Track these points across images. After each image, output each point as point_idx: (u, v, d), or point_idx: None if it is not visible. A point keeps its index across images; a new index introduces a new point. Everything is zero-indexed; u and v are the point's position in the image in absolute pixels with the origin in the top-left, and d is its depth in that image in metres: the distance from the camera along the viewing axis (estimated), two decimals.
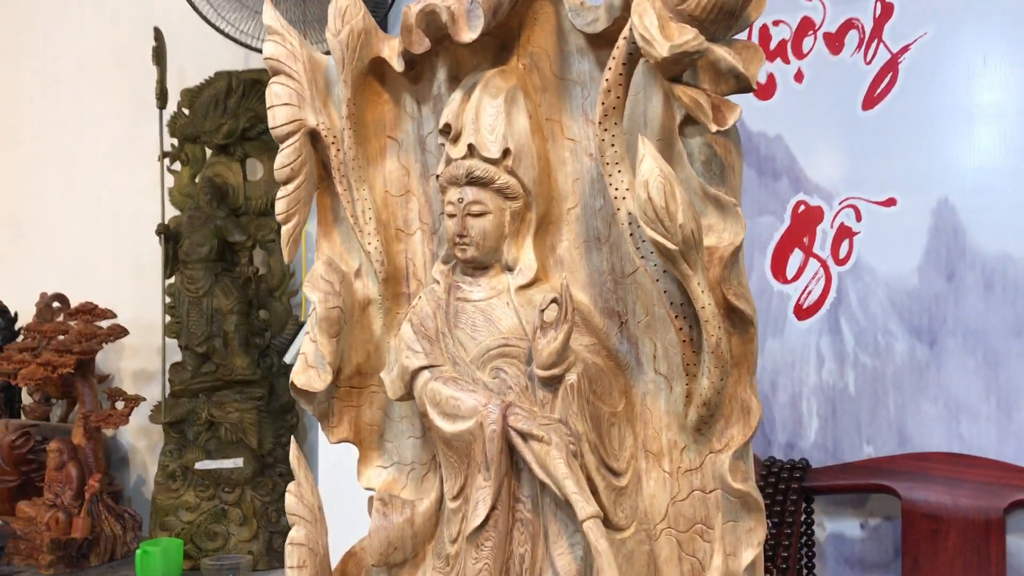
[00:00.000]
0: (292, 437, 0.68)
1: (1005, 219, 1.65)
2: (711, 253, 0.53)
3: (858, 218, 1.79)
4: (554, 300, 0.55)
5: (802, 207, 1.86)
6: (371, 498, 0.63)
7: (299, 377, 0.63)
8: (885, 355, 1.76)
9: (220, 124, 2.29)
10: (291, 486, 0.64)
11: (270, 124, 0.66)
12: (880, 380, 1.77)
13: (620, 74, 0.55)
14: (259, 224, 2.31)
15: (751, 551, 0.55)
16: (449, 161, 0.62)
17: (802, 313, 1.87)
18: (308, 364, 0.64)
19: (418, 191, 0.65)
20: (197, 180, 2.32)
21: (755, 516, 0.55)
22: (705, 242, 0.53)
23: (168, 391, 2.31)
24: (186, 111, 2.33)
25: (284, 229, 0.64)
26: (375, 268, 0.63)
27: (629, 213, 0.56)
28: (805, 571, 1.74)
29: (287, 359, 2.19)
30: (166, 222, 2.31)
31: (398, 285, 0.66)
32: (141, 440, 2.64)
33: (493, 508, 0.57)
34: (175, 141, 2.36)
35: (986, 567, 1.61)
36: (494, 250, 0.59)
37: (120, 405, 2.40)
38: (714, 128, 0.52)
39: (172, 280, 2.32)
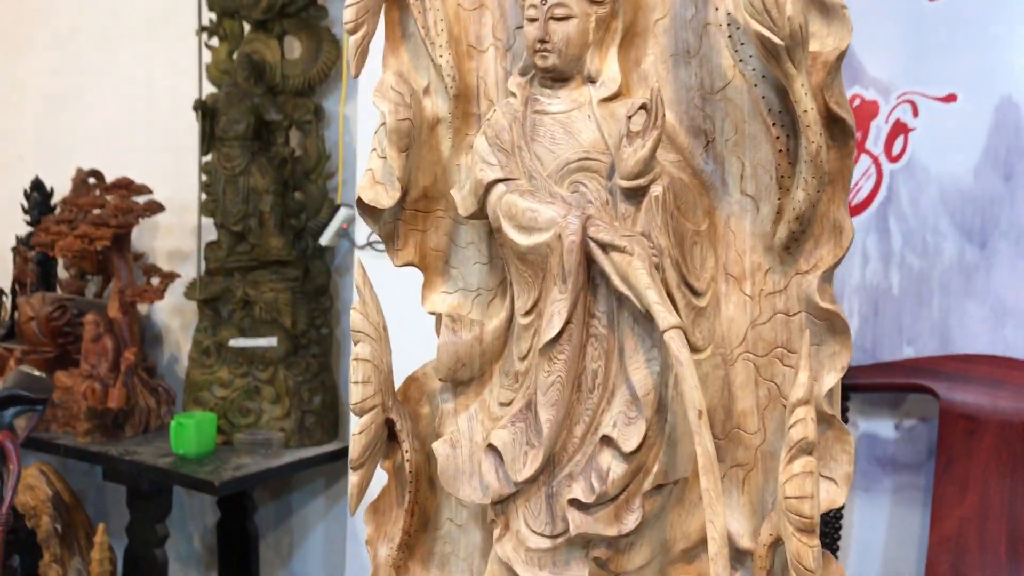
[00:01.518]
0: (357, 261, 0.66)
1: None
2: (814, 58, 0.50)
3: (915, 114, 1.74)
4: (643, 106, 0.52)
5: (857, 100, 1.80)
6: (439, 316, 0.62)
7: (366, 192, 0.61)
8: (933, 256, 1.73)
9: None
10: (356, 303, 0.63)
11: None
12: (926, 281, 1.73)
13: None
14: (295, 104, 2.27)
15: (834, 375, 0.54)
16: None
17: (850, 210, 1.83)
18: (376, 180, 0.62)
19: (492, 4, 0.61)
20: (235, 56, 2.28)
21: (840, 339, 0.53)
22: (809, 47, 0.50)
23: (203, 269, 2.31)
24: None
25: (352, 39, 0.61)
26: (446, 84, 0.60)
27: (728, 13, 0.53)
28: None
29: (322, 242, 2.18)
30: (203, 98, 2.28)
31: (468, 104, 0.63)
32: (175, 319, 2.67)
33: (568, 321, 0.55)
34: (213, 16, 2.32)
35: (1021, 469, 1.60)
36: (576, 59, 0.56)
37: (155, 281, 2.42)
38: None
39: (208, 158, 2.30)
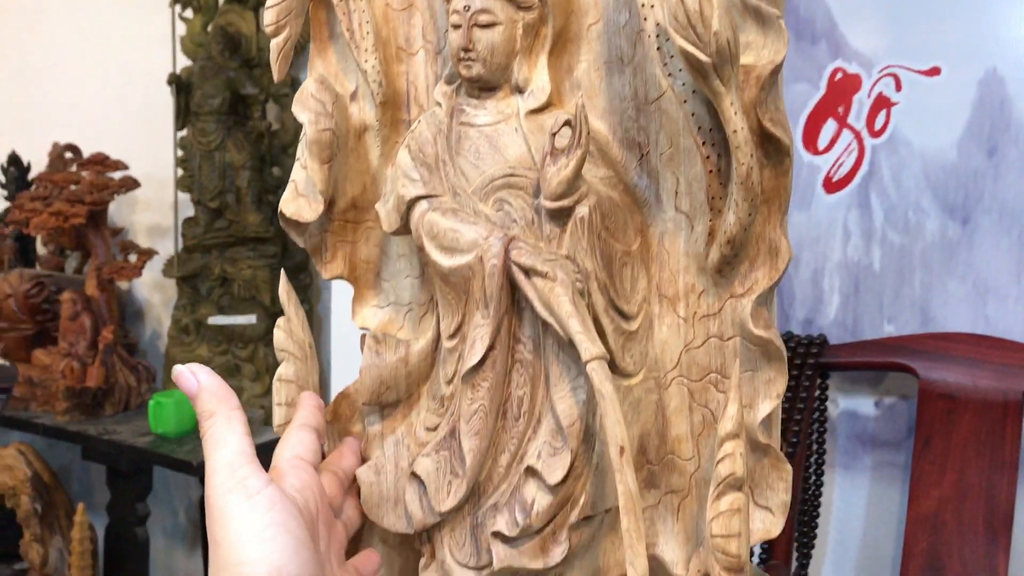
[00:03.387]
0: (282, 270, 0.64)
1: None
2: (747, 72, 0.47)
3: (898, 88, 1.70)
4: (567, 123, 0.49)
5: (839, 74, 1.76)
6: (363, 335, 0.59)
7: (288, 206, 0.58)
8: (915, 232, 1.70)
9: None
10: (280, 321, 0.61)
11: None
12: (907, 258, 1.71)
13: None
14: (272, 77, 2.23)
15: (769, 403, 0.51)
16: None
17: (831, 186, 1.80)
18: (298, 192, 0.59)
19: (422, 4, 0.58)
20: (209, 29, 2.24)
21: (776, 366, 0.51)
22: (742, 60, 0.47)
23: (181, 245, 2.29)
24: None
25: (274, 43, 0.58)
26: (372, 89, 0.57)
27: (657, 24, 0.49)
28: (816, 446, 1.73)
29: None
30: (177, 72, 2.24)
31: (397, 111, 0.60)
32: (156, 295, 2.64)
33: (491, 347, 0.52)
34: None
35: (1000, 448, 1.59)
36: (503, 68, 0.53)
37: (133, 258, 2.39)
38: None
39: (184, 132, 2.26)
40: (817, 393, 1.74)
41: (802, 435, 1.72)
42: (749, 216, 0.48)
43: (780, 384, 0.51)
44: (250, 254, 2.22)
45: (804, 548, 1.74)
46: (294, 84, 2.22)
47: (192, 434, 2.12)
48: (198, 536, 2.52)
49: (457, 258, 0.52)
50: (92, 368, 2.21)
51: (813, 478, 1.74)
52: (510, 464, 0.54)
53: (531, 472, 0.53)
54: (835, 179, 1.79)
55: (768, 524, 0.53)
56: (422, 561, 0.58)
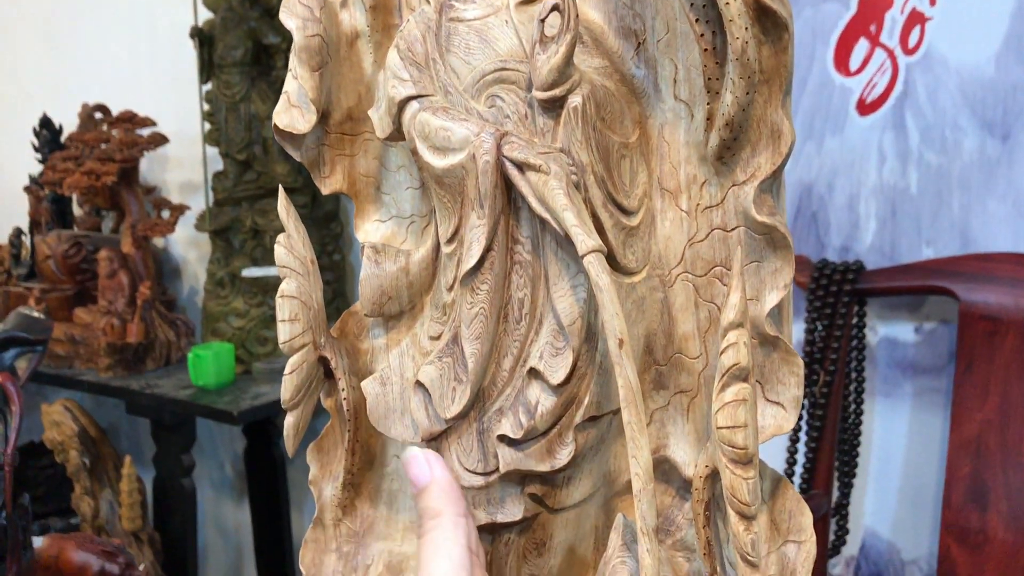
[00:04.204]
0: (280, 189, 0.63)
1: None
2: None
3: (932, 2, 1.64)
4: (555, 7, 0.47)
5: None
6: (362, 246, 0.58)
7: (281, 117, 0.57)
8: (952, 152, 1.65)
9: None
10: (280, 237, 0.60)
11: None
12: (945, 179, 1.66)
13: None
14: None
15: (776, 294, 0.49)
16: None
17: (865, 108, 1.75)
18: (291, 103, 0.58)
19: None
20: None
21: (781, 255, 0.49)
22: None
23: (212, 200, 2.30)
24: None
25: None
26: None
27: None
28: (854, 374, 1.71)
29: None
30: (199, 25, 2.23)
31: (388, 15, 0.58)
32: (191, 251, 2.67)
33: (488, 248, 0.51)
34: None
35: None
36: None
37: (166, 214, 2.41)
38: None
39: (209, 86, 2.26)
40: (855, 320, 1.71)
41: (840, 364, 1.69)
42: (747, 95, 0.46)
43: (787, 273, 0.49)
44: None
45: (845, 477, 1.72)
46: None
47: (232, 385, 2.15)
48: (244, 488, 2.56)
49: (450, 158, 0.51)
50: (132, 324, 2.24)
51: (853, 407, 1.71)
52: (513, 367, 0.53)
53: (534, 373, 0.52)
54: (868, 101, 1.74)
55: (780, 420, 0.51)
56: None
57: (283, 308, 0.58)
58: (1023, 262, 1.56)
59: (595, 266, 0.46)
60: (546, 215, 0.48)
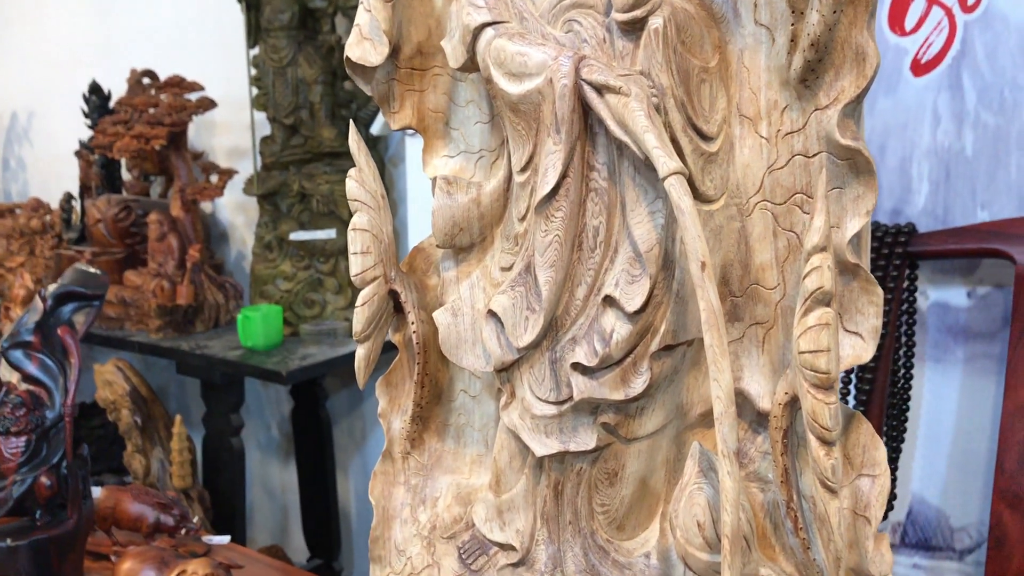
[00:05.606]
0: (351, 121, 0.63)
1: None
2: None
3: None
4: None
5: None
6: (435, 178, 0.58)
7: (353, 50, 0.57)
8: (1011, 112, 1.61)
9: None
10: (352, 171, 0.60)
11: None
12: (1003, 140, 1.62)
13: None
14: None
15: (858, 220, 0.49)
16: None
17: (919, 69, 1.71)
18: (363, 36, 0.58)
19: None
20: None
21: (864, 181, 0.48)
22: None
23: (260, 164, 2.31)
24: None
25: None
26: None
27: None
28: (904, 339, 1.68)
29: (374, 131, 2.15)
30: None
31: None
32: (239, 216, 2.69)
33: (564, 175, 0.50)
34: None
35: None
36: None
37: (214, 179, 2.43)
38: None
39: (256, 51, 2.27)
40: (906, 284, 1.68)
41: (891, 327, 1.67)
42: (834, 14, 0.45)
43: (870, 200, 0.48)
44: (327, 169, 2.24)
45: (894, 443, 1.71)
46: None
47: (280, 347, 2.17)
48: (291, 449, 2.59)
49: (526, 83, 0.51)
50: (181, 287, 2.27)
51: (903, 371, 1.69)
52: (587, 296, 0.53)
53: (609, 301, 0.52)
54: (924, 60, 1.70)
55: (859, 350, 0.51)
56: (502, 400, 0.58)
57: (355, 241, 0.58)
58: None
59: (677, 188, 0.46)
60: (625, 138, 0.47)
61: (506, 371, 0.56)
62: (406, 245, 2.19)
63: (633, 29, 0.49)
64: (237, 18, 2.29)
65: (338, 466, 2.49)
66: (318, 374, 2.12)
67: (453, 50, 0.56)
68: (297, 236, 2.26)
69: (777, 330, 0.54)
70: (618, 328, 0.51)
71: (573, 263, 0.53)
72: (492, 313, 0.56)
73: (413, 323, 0.61)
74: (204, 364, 2.13)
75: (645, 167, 0.48)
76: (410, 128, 0.62)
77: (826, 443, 0.47)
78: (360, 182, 0.59)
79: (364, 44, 0.58)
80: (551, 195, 0.51)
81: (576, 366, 0.53)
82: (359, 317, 0.59)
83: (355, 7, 2.23)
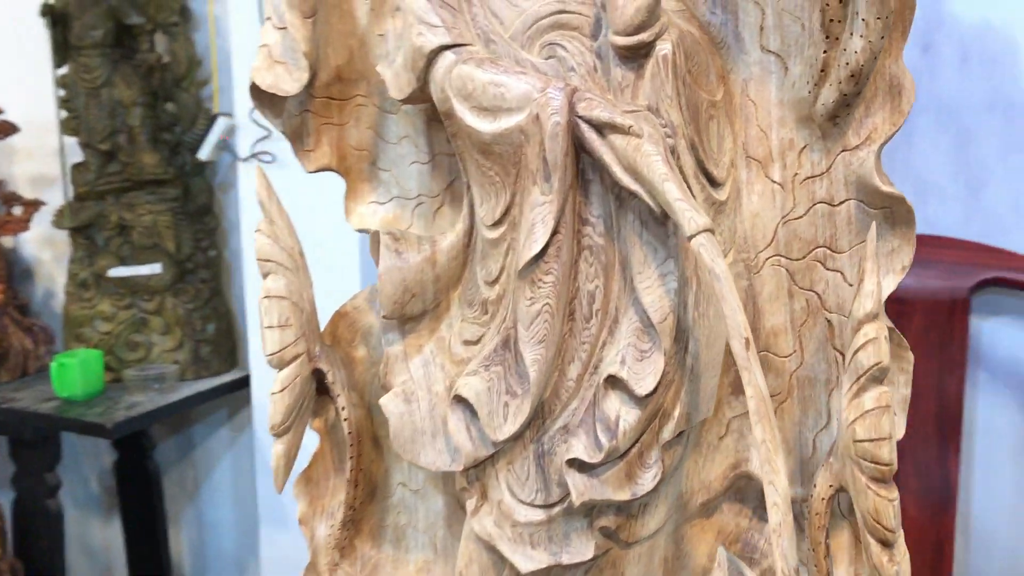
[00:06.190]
0: (258, 169, 0.51)
1: None
2: None
3: None
4: None
5: None
6: (375, 234, 0.48)
7: (263, 76, 0.46)
8: None
9: None
10: (261, 224, 0.48)
11: None
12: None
13: None
14: (158, 5, 2.04)
15: (892, 278, 0.42)
16: None
17: None
18: (274, 59, 0.46)
19: None
20: None
21: (901, 232, 0.42)
22: None
23: (71, 194, 2.09)
24: None
25: None
26: None
27: None
28: None
29: (201, 156, 1.99)
30: (50, 2, 2.03)
31: None
32: (45, 251, 2.43)
33: (555, 232, 0.41)
34: None
35: (949, 347, 1.57)
36: None
37: (18, 210, 2.18)
38: None
39: (64, 70, 2.06)
40: None
41: None
42: (881, 39, 0.38)
43: (907, 254, 0.42)
44: (149, 198, 2.05)
45: None
46: (183, 12, 2.05)
47: (101, 395, 1.96)
48: (114, 503, 2.37)
49: (503, 120, 0.41)
50: None
51: None
52: (581, 375, 0.43)
53: (613, 382, 0.43)
54: None
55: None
56: (470, 505, 0.47)
57: (271, 311, 0.46)
58: (925, 243, 1.58)
59: (708, 249, 0.38)
60: (636, 187, 0.39)
61: (478, 468, 0.46)
62: (240, 282, 2.03)
63: (635, 56, 0.40)
64: (41, 33, 2.06)
65: (169, 519, 2.28)
66: (147, 424, 1.92)
67: (395, 77, 0.45)
68: (117, 272, 2.06)
69: (792, 403, 0.47)
70: (625, 414, 0.43)
71: (564, 336, 0.43)
72: (460, 399, 0.46)
73: (344, 408, 0.49)
74: (13, 419, 1.89)
75: (653, 222, 0.40)
76: (329, 169, 0.51)
77: (888, 546, 0.40)
78: (273, 238, 0.48)
79: (276, 69, 0.46)
80: (539, 256, 0.42)
81: (573, 462, 0.44)
82: (278, 406, 0.47)
83: (175, 23, 2.06)
